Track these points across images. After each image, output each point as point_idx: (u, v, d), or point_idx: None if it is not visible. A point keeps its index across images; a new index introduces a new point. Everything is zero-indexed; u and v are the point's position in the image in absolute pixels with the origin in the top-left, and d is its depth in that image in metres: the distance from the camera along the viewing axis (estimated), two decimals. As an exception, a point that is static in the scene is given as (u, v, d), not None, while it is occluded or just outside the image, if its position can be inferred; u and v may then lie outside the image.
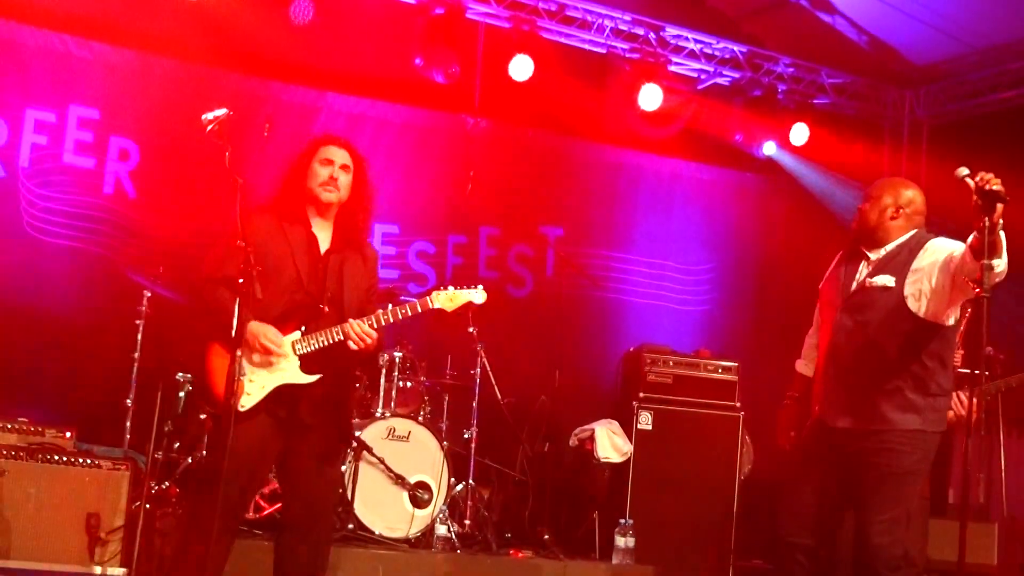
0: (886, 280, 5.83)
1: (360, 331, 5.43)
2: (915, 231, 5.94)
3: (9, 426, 7.48)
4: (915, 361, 5.74)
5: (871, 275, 5.90)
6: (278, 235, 5.45)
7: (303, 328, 5.47)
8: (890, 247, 5.93)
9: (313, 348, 5.45)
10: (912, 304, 5.76)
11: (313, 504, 5.57)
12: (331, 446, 5.59)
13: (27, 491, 7.03)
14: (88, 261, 9.60)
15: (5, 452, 7.05)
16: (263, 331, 5.36)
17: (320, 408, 5.51)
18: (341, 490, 7.96)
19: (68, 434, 7.65)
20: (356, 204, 5.75)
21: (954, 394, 6.16)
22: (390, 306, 5.71)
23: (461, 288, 5.75)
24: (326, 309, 5.54)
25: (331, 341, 5.45)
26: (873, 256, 5.97)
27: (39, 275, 9.38)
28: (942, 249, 5.75)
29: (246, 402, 5.27)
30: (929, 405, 5.74)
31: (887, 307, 5.80)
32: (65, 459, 7.24)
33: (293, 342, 5.43)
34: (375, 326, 5.48)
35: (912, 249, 5.86)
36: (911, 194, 6.00)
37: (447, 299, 5.70)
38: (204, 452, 7.74)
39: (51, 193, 9.60)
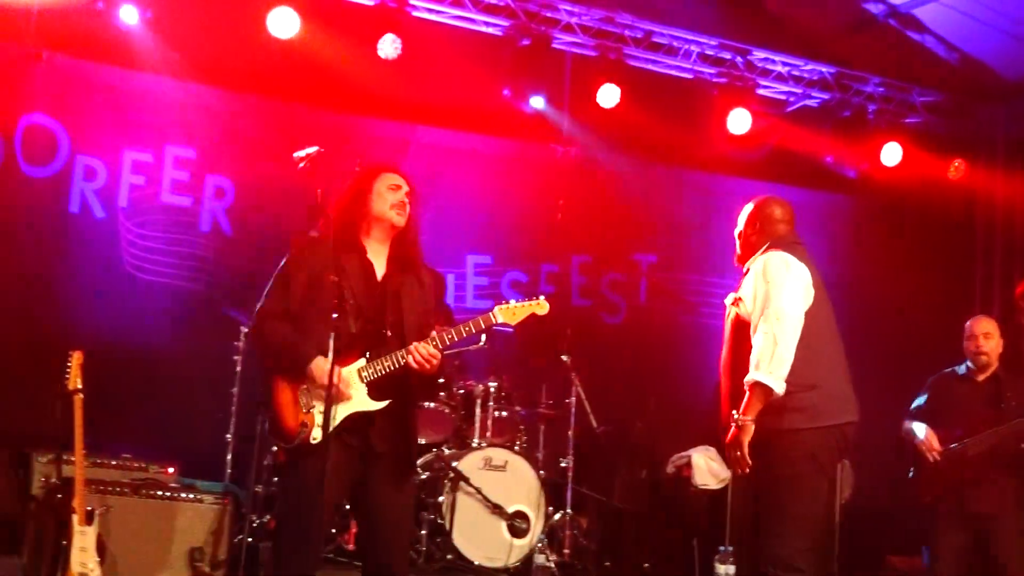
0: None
1: (425, 353, 5.37)
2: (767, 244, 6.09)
3: (113, 462, 7.62)
4: None
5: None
6: (333, 265, 5.42)
7: (367, 355, 5.43)
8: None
9: (379, 374, 5.40)
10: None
11: (388, 531, 5.51)
12: (402, 472, 5.53)
13: (131, 526, 7.16)
14: (187, 298, 9.80)
15: (110, 488, 7.18)
16: (327, 367, 5.22)
17: (390, 434, 5.47)
18: (440, 520, 8.01)
19: (171, 469, 7.80)
20: (410, 230, 5.75)
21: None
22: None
23: (523, 301, 5.69)
24: (389, 334, 5.50)
25: (396, 366, 5.39)
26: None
27: (140, 312, 9.58)
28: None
29: (317, 434, 5.28)
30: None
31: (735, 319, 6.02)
32: (168, 494, 7.38)
33: (359, 370, 5.38)
34: (438, 346, 5.43)
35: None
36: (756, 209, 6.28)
37: (509, 312, 5.57)
38: (275, 488, 7.78)
39: (150, 232, 9.81)
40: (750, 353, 5.73)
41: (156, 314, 9.62)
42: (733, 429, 5.68)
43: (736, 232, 6.36)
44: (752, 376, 5.63)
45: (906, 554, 9.07)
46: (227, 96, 10.07)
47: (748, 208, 6.35)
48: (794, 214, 6.33)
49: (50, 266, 9.39)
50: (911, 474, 7.58)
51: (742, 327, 5.93)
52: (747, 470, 5.74)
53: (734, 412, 5.68)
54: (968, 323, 7.70)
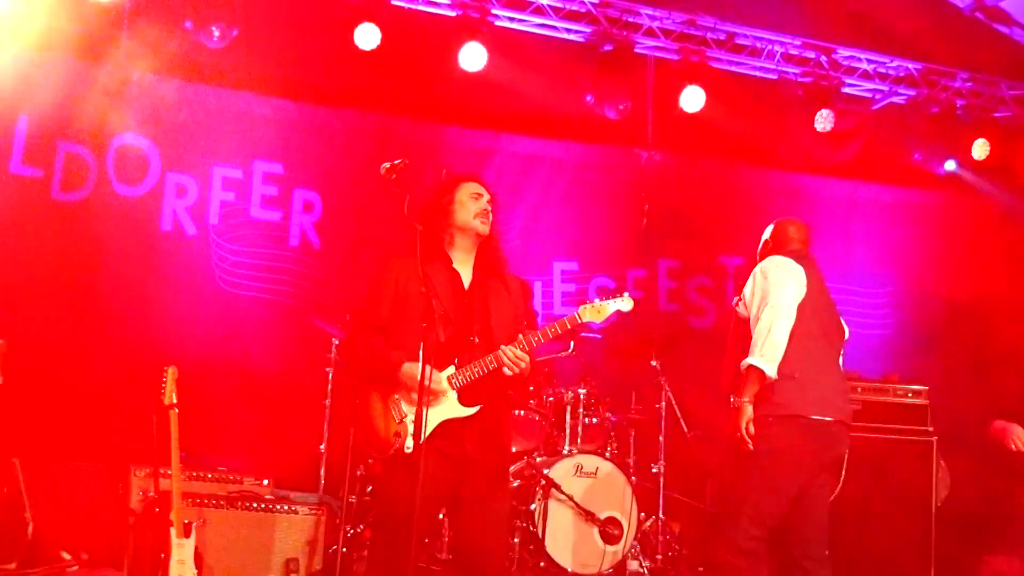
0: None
1: (513, 356, 5.39)
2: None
3: (209, 475, 7.75)
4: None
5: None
6: (420, 276, 5.43)
7: (456, 362, 5.45)
8: None
9: (468, 380, 5.43)
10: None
11: (483, 539, 5.53)
12: (496, 479, 5.57)
13: (228, 538, 7.27)
14: (277, 312, 9.92)
15: (206, 501, 7.30)
16: (417, 373, 5.27)
17: (482, 441, 5.51)
18: (532, 528, 8.02)
19: (265, 481, 7.89)
20: (493, 237, 5.77)
21: None
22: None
23: (607, 299, 5.64)
24: (476, 340, 5.53)
25: (485, 371, 5.42)
26: None
27: (232, 327, 9.73)
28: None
29: (411, 443, 5.31)
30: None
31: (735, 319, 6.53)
32: (263, 506, 7.48)
33: (448, 377, 5.41)
34: (526, 349, 5.44)
35: None
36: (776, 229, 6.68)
37: (594, 311, 5.56)
38: (369, 497, 7.84)
39: (240, 247, 9.96)
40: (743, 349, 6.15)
41: (248, 328, 9.77)
42: (732, 412, 6.05)
43: (758, 250, 6.76)
44: (747, 360, 6.04)
45: (1004, 554, 8.92)
46: (314, 110, 10.19)
47: (769, 229, 6.73)
48: (809, 234, 6.69)
49: (143, 284, 9.55)
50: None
51: (740, 326, 6.31)
52: (750, 449, 6.04)
53: (731, 396, 6.08)
54: None
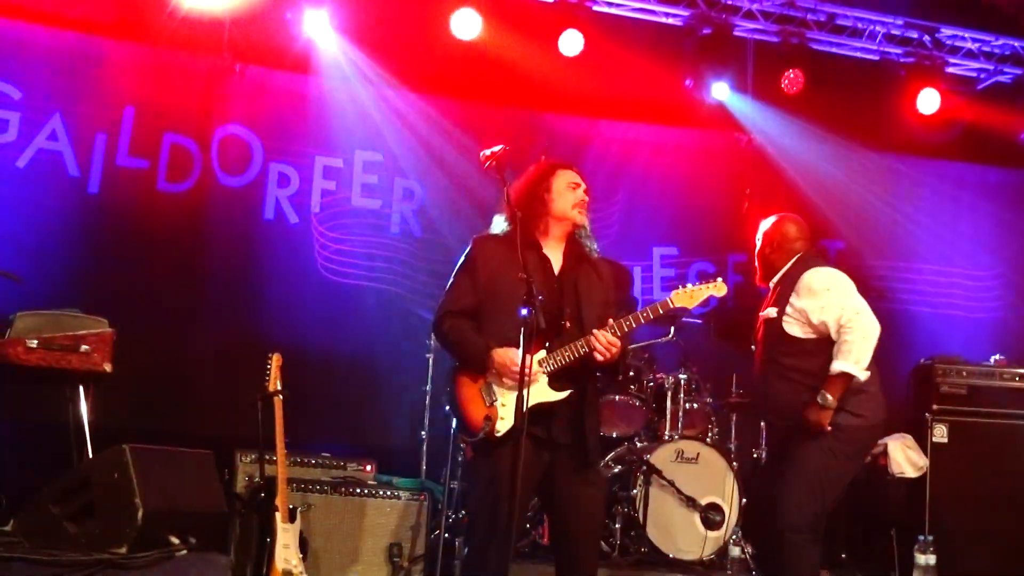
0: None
1: (605, 341, 5.38)
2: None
3: (313, 461, 7.84)
4: None
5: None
6: (511, 261, 5.41)
7: (547, 346, 5.44)
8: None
9: (559, 364, 5.42)
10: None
11: (576, 523, 5.52)
12: (586, 463, 5.53)
13: (332, 523, 7.37)
14: (379, 299, 10.03)
15: (310, 486, 7.41)
16: (507, 357, 5.34)
17: (572, 425, 5.50)
18: (634, 513, 8.02)
19: (368, 467, 7.96)
20: (586, 225, 5.75)
21: None
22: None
23: (701, 284, 5.65)
24: (568, 325, 5.51)
25: (576, 355, 5.41)
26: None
27: (335, 314, 9.84)
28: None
29: (501, 427, 5.30)
30: None
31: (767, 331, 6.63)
32: (366, 491, 7.56)
33: (539, 361, 5.39)
34: (617, 333, 5.42)
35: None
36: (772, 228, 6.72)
37: (686, 296, 5.58)
38: (465, 482, 7.87)
39: (342, 236, 10.07)
40: (786, 363, 6.38)
41: (350, 316, 9.88)
42: (820, 409, 6.16)
43: (755, 251, 6.80)
44: (839, 367, 6.16)
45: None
46: (413, 99, 10.24)
47: (764, 227, 6.75)
48: (809, 230, 6.75)
49: (247, 272, 9.72)
50: None
51: (779, 340, 6.42)
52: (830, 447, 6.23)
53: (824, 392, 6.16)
54: None
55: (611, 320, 5.45)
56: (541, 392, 5.40)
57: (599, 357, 5.40)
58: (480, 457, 5.46)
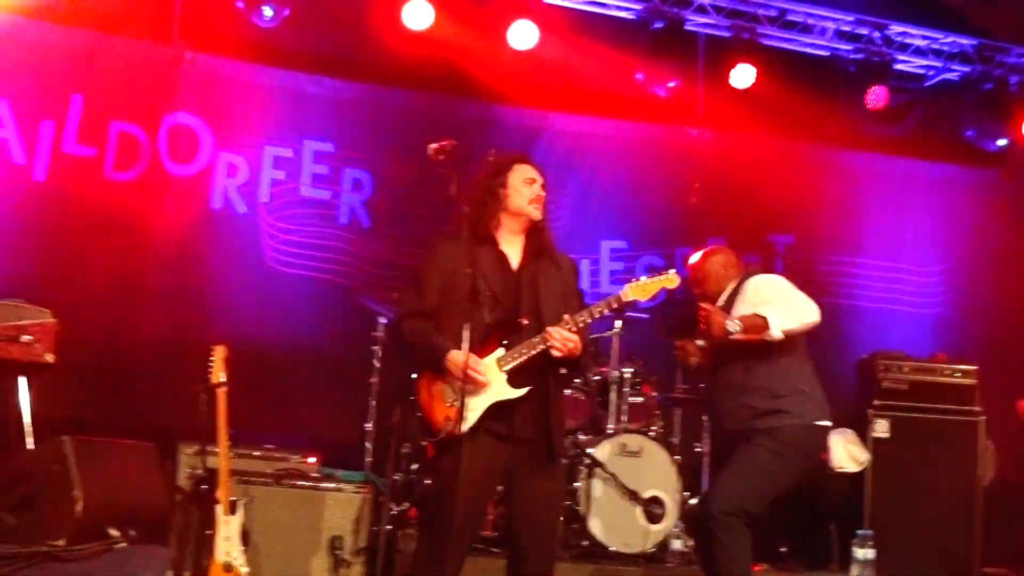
0: None
1: (561, 336, 5.34)
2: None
3: (256, 453, 7.82)
4: None
5: None
6: (467, 258, 5.41)
7: (505, 343, 5.42)
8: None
9: (518, 362, 5.39)
10: None
11: (534, 519, 5.52)
12: (549, 459, 5.52)
13: (274, 515, 7.30)
14: (326, 290, 9.99)
15: (253, 478, 7.33)
16: (461, 360, 5.25)
17: (534, 421, 5.47)
18: (576, 506, 8.03)
19: (312, 459, 7.95)
20: (543, 220, 5.72)
21: None
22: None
23: (653, 276, 5.62)
24: (525, 322, 5.47)
25: (534, 352, 5.38)
26: None
27: (281, 306, 9.81)
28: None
29: (463, 426, 5.30)
30: None
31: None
32: (310, 484, 7.51)
33: (497, 359, 5.38)
34: (573, 328, 5.38)
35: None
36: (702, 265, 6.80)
37: (640, 289, 5.53)
38: (427, 482, 7.84)
39: (290, 226, 10.03)
40: (734, 377, 6.44)
41: (297, 307, 9.84)
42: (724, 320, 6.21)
43: (695, 289, 6.82)
44: (764, 311, 6.23)
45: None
46: (364, 89, 10.23)
47: (695, 265, 6.83)
48: (735, 255, 6.90)
49: (194, 262, 9.66)
50: None
51: (733, 351, 6.40)
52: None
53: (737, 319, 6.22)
54: None
55: (566, 315, 5.42)
56: (500, 390, 5.39)
57: (556, 353, 5.39)
58: (441, 456, 5.44)
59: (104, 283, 9.26)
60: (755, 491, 6.31)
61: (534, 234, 5.67)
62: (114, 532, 6.21)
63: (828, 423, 6.53)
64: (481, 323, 5.26)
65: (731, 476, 6.33)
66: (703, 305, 6.33)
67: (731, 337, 6.19)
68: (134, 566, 6.19)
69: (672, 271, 5.64)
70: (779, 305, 6.31)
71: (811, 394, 6.45)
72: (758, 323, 6.21)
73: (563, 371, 5.65)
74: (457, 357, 5.28)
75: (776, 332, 6.21)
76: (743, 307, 6.40)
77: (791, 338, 6.31)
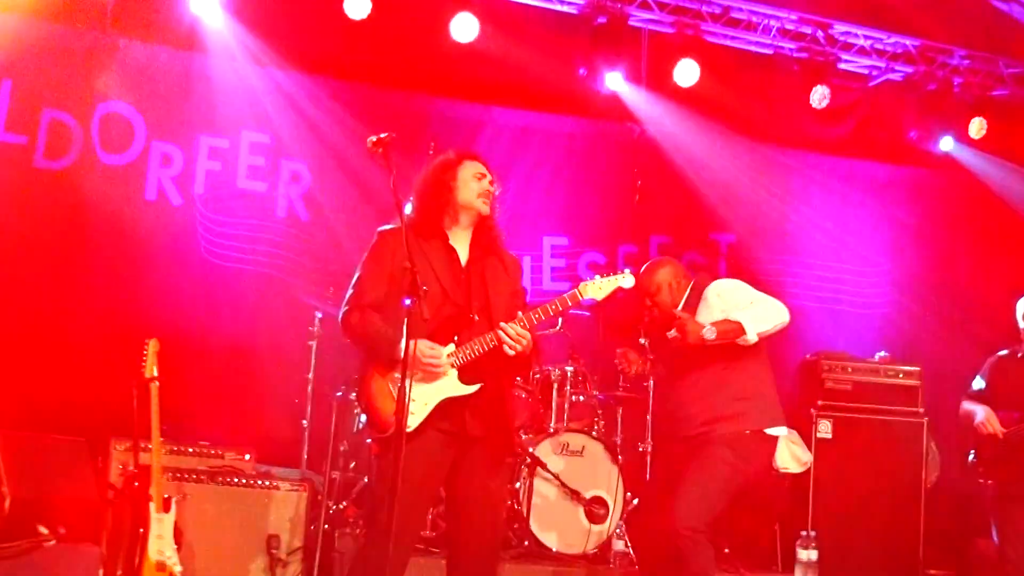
0: None
1: (515, 333, 5.36)
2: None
3: (190, 450, 7.67)
4: None
5: None
6: (416, 252, 5.36)
7: (456, 339, 5.43)
8: None
9: (469, 358, 5.40)
10: None
11: (480, 518, 5.51)
12: (497, 458, 5.54)
13: (208, 513, 7.19)
14: (262, 284, 9.85)
15: (187, 475, 7.22)
16: (421, 349, 5.28)
17: (484, 418, 5.47)
18: (517, 506, 7.95)
19: (247, 456, 7.81)
20: (492, 215, 5.73)
21: None
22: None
23: (608, 275, 5.65)
24: (476, 318, 5.49)
25: (486, 348, 5.39)
26: None
27: (216, 299, 9.65)
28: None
29: (411, 421, 5.23)
30: None
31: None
32: (244, 481, 7.40)
33: (448, 355, 5.38)
34: (526, 326, 5.41)
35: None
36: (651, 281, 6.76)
37: (596, 288, 5.59)
38: (371, 477, 7.76)
39: (226, 218, 9.87)
40: (697, 382, 6.49)
41: (232, 300, 9.69)
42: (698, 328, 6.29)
43: (647, 300, 6.79)
44: (738, 316, 6.31)
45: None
46: (302, 80, 10.04)
47: (647, 281, 6.74)
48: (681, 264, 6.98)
49: (127, 254, 9.43)
50: (971, 457, 7.66)
51: (694, 354, 6.44)
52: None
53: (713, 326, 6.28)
54: (1020, 303, 7.67)
55: (520, 313, 5.44)
56: (451, 386, 5.39)
57: (509, 350, 5.37)
58: (387, 453, 5.33)
59: (34, 274, 9.04)
60: (716, 504, 6.39)
61: (482, 230, 5.71)
62: (43, 530, 6.05)
63: (784, 430, 6.67)
64: (419, 318, 5.15)
65: (692, 491, 6.32)
66: (678, 313, 6.40)
67: (706, 344, 6.25)
68: (64, 565, 6.05)
69: (627, 270, 5.69)
70: (749, 309, 6.38)
71: (771, 399, 6.61)
72: (733, 328, 6.28)
73: (516, 369, 5.64)
74: (423, 345, 5.25)
75: (752, 336, 6.31)
76: (709, 314, 6.45)
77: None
